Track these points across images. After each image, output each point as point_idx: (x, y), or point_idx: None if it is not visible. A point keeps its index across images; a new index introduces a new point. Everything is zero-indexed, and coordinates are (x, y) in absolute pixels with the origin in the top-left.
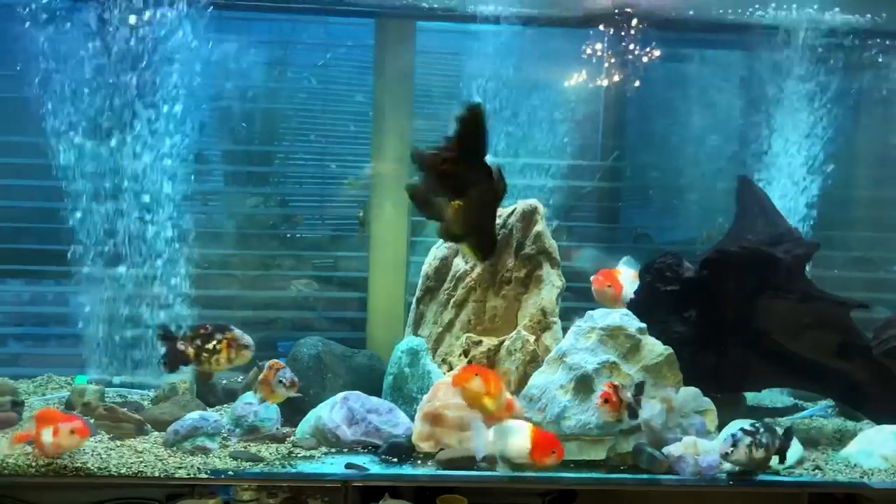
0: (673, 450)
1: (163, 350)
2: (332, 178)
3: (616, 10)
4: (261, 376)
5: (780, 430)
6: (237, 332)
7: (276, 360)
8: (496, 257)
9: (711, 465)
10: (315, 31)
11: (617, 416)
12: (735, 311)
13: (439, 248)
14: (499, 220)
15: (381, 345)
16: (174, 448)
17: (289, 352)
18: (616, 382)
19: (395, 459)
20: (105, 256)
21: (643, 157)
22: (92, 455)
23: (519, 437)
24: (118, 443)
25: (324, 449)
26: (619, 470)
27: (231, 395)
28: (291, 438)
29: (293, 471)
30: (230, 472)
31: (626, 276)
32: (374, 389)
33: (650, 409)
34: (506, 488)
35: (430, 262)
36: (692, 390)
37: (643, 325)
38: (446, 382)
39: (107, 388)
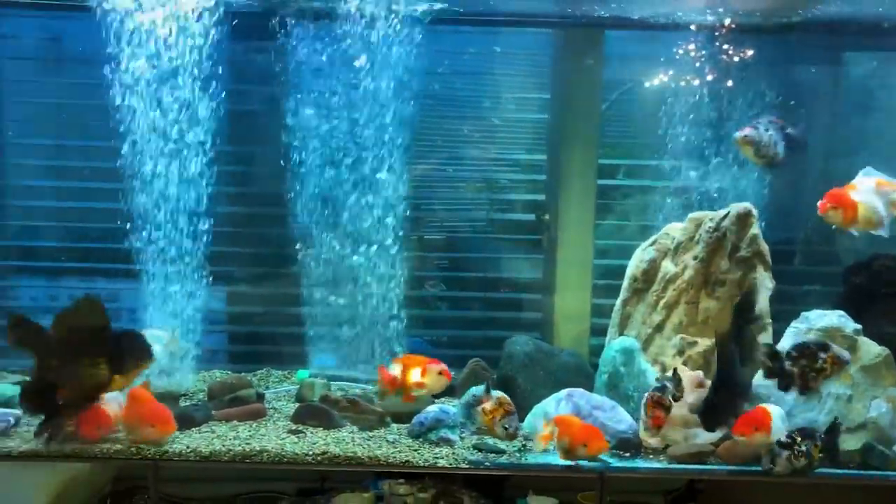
0: None
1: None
2: (505, 183)
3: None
4: (488, 406)
5: (820, 431)
6: (835, 348)
7: (504, 397)
8: (709, 259)
9: None
10: (486, 41)
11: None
12: None
13: (646, 251)
14: (711, 224)
15: (568, 345)
16: (420, 440)
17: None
18: (658, 396)
19: (627, 454)
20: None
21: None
22: (353, 445)
23: None
24: (368, 434)
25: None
26: (847, 467)
27: (446, 390)
28: (521, 432)
29: (542, 462)
30: (487, 463)
31: (866, 189)
32: (582, 386)
33: (877, 408)
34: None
35: (636, 265)
36: None
37: (858, 326)
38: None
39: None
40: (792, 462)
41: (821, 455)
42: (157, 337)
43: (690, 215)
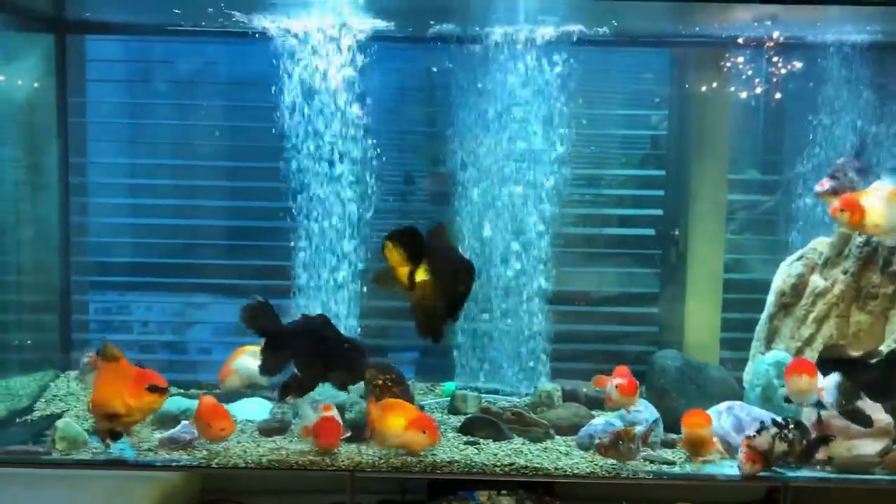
0: None
1: None
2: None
3: None
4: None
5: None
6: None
7: (629, 430)
8: (860, 273)
9: None
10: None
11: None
12: None
13: (793, 266)
14: (861, 238)
15: (697, 358)
16: (591, 451)
17: None
18: (751, 442)
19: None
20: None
21: None
22: (533, 456)
23: None
24: (541, 445)
25: (716, 454)
26: None
27: (594, 403)
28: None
29: (718, 472)
30: (664, 475)
31: (879, 196)
32: (729, 399)
33: None
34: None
35: (784, 279)
36: None
37: None
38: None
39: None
40: (775, 442)
41: (797, 454)
42: None
43: (838, 230)
